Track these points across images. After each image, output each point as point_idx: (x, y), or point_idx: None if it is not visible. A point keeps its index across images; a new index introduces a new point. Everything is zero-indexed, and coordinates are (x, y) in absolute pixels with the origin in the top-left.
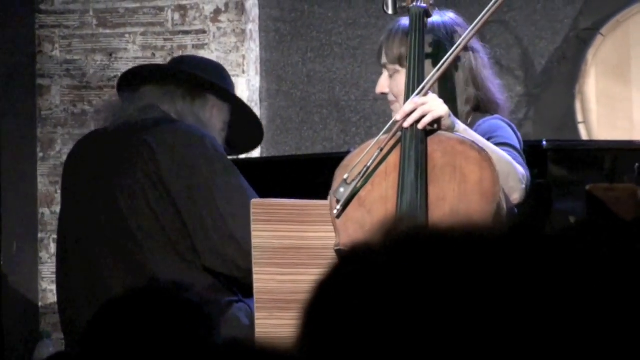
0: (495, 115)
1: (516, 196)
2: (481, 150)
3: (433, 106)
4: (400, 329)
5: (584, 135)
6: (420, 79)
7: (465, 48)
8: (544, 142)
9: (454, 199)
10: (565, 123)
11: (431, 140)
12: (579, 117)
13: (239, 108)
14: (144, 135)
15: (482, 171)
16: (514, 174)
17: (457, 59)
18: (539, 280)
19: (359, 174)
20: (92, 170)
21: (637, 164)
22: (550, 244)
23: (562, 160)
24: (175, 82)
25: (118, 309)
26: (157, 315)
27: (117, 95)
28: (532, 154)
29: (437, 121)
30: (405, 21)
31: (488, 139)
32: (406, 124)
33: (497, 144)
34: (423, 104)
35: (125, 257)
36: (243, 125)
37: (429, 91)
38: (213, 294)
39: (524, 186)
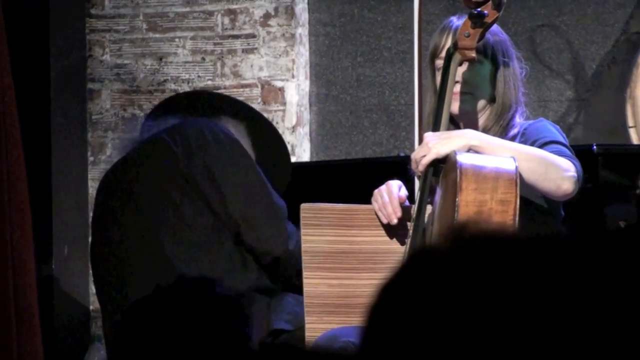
0: (540, 119)
1: (567, 186)
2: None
3: (425, 152)
4: (463, 333)
5: (635, 140)
6: (438, 117)
7: (507, 54)
8: (595, 147)
9: (447, 211)
10: (616, 127)
11: (449, 167)
12: (630, 122)
13: (260, 130)
14: (162, 134)
15: (456, 176)
16: (553, 167)
17: (509, 61)
18: (593, 284)
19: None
20: (121, 182)
21: None
22: (602, 248)
23: (612, 165)
24: (188, 106)
25: (152, 308)
26: (192, 312)
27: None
28: (582, 158)
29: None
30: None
31: (534, 142)
32: (418, 174)
33: (544, 144)
34: (419, 155)
35: (152, 258)
36: (270, 151)
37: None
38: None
39: (572, 174)
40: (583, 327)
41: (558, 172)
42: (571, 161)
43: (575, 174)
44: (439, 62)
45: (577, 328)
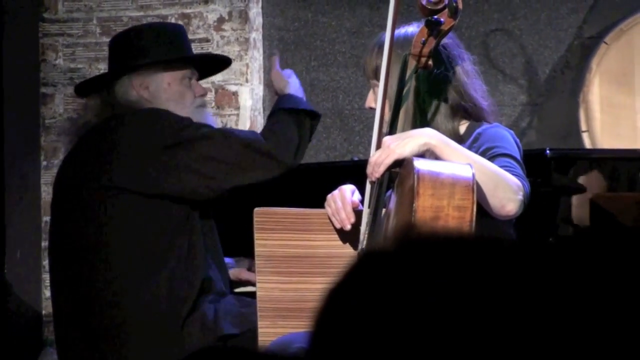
0: (495, 124)
1: (510, 207)
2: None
3: (381, 158)
4: (409, 336)
5: (588, 144)
6: (394, 123)
7: (444, 57)
8: (548, 151)
9: (403, 216)
10: (569, 132)
11: (405, 173)
12: (583, 126)
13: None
14: (80, 150)
15: (412, 181)
16: (503, 185)
17: (444, 69)
18: (543, 288)
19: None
20: (65, 187)
21: None
22: (553, 252)
23: (565, 169)
24: (93, 89)
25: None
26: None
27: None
28: (535, 162)
29: (397, 161)
30: (383, 36)
31: (488, 149)
32: (373, 179)
33: (497, 155)
34: (377, 160)
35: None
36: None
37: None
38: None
39: (519, 197)
40: (531, 330)
41: (506, 192)
42: (522, 182)
43: (523, 197)
44: (373, 82)
45: (524, 331)
